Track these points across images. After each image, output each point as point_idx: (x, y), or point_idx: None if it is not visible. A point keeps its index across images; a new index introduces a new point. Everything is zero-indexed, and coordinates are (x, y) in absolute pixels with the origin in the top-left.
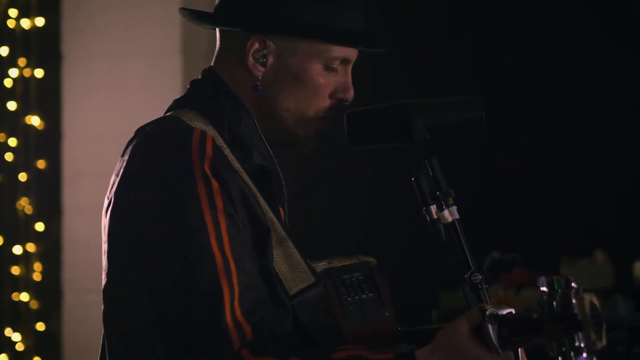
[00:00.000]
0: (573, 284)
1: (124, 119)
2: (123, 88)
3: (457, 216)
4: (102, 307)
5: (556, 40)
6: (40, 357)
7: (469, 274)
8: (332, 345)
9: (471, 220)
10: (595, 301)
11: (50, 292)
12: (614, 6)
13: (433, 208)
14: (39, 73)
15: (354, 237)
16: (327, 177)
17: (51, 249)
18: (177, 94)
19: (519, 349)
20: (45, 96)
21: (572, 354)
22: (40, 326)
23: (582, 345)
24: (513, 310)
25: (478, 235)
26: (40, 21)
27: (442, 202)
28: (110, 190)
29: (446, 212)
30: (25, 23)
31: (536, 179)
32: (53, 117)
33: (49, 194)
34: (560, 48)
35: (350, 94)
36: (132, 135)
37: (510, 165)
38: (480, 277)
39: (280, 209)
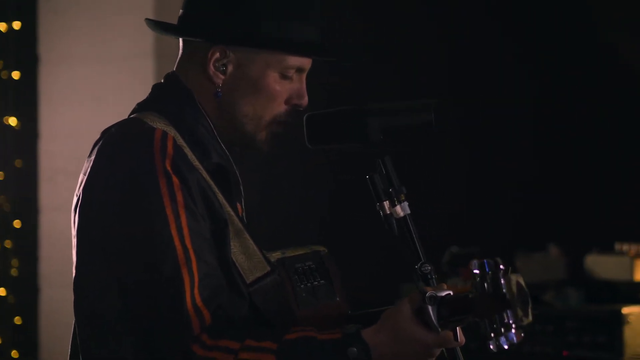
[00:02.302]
0: (501, 266)
1: (99, 119)
2: (97, 89)
3: (408, 211)
4: (73, 298)
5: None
6: (18, 351)
7: (419, 264)
8: (285, 328)
9: (432, 216)
10: (522, 281)
11: (27, 287)
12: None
13: (386, 204)
14: (15, 75)
15: (319, 232)
16: (289, 176)
17: (28, 245)
18: None
19: (457, 328)
20: (22, 97)
21: (502, 329)
22: (17, 320)
23: (510, 321)
24: (451, 292)
25: (439, 231)
26: (16, 24)
27: (395, 199)
28: (79, 188)
29: (398, 208)
30: (2, 26)
31: (494, 178)
32: (30, 118)
33: (26, 192)
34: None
35: (305, 100)
36: None
37: (469, 163)
38: (429, 267)
39: (238, 204)
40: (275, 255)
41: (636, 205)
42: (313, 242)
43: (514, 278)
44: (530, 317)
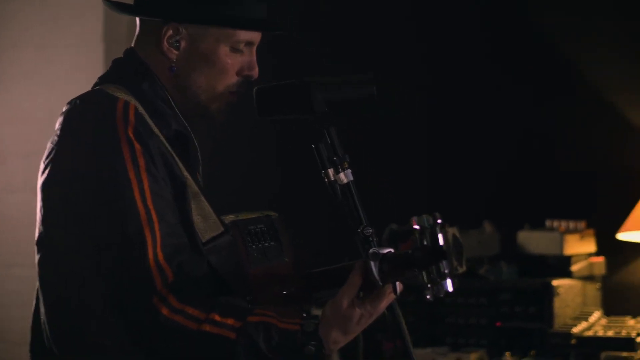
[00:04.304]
0: (439, 220)
1: (50, 103)
2: (48, 74)
3: (351, 178)
4: (37, 256)
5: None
6: None
7: (361, 228)
8: (248, 308)
9: (373, 196)
10: (457, 233)
11: None
12: None
13: (330, 171)
14: None
15: (269, 198)
16: (239, 146)
17: None
18: None
19: (397, 283)
20: None
21: (438, 279)
22: None
23: (446, 271)
24: (392, 250)
25: (378, 209)
26: None
27: (339, 166)
28: (47, 155)
29: (342, 175)
30: None
31: (431, 158)
32: None
33: None
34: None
35: (255, 71)
36: (57, 117)
37: (406, 144)
38: (370, 230)
39: (197, 172)
40: (229, 218)
41: (565, 184)
42: (263, 208)
43: (450, 231)
44: (465, 267)
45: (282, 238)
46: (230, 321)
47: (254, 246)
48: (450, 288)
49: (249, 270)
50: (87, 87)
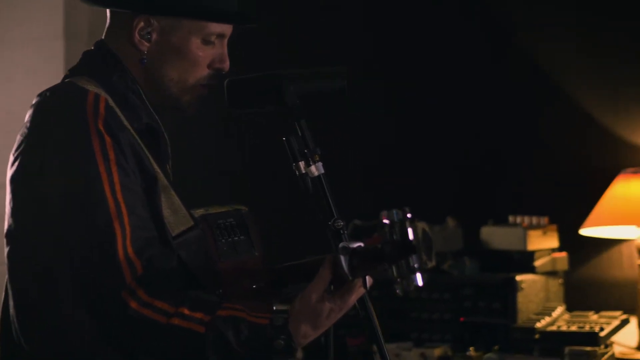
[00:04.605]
0: (408, 215)
1: (10, 99)
2: (8, 71)
3: (322, 171)
4: (7, 249)
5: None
6: None
7: (332, 220)
8: (217, 302)
9: (339, 192)
10: (427, 228)
11: None
12: None
13: (302, 164)
14: None
15: (238, 192)
16: (209, 138)
17: None
18: (60, 76)
19: (367, 277)
20: None
21: (408, 274)
22: None
23: (416, 266)
24: (362, 244)
25: (343, 205)
26: None
27: (310, 159)
28: (16, 148)
29: (313, 168)
30: None
31: (395, 153)
32: None
33: None
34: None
35: (226, 64)
36: (16, 113)
37: (369, 140)
38: (342, 223)
39: (167, 165)
40: (198, 212)
41: (528, 180)
42: (232, 202)
43: (419, 226)
44: (434, 262)
45: (251, 232)
46: (199, 315)
47: (223, 240)
48: (420, 282)
49: (218, 265)
50: (47, 83)
